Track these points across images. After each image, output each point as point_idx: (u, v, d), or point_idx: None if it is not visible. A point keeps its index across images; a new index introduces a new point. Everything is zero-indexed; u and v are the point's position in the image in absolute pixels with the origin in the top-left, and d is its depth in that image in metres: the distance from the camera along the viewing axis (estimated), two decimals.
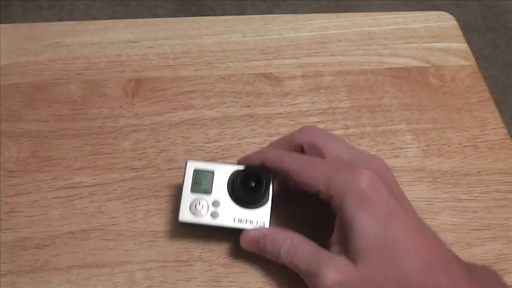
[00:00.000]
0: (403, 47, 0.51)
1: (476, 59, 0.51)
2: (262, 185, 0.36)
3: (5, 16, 1.46)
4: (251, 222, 0.35)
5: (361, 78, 0.48)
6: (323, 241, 0.33)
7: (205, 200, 0.36)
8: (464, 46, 0.51)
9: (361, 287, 0.30)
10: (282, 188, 0.39)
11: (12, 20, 1.45)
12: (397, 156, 0.43)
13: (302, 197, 0.36)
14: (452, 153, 0.44)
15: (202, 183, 0.36)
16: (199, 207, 0.35)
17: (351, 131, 0.45)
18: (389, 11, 0.54)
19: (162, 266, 0.37)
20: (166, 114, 0.45)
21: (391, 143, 0.44)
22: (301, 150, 0.37)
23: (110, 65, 0.48)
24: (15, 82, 0.46)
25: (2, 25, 0.50)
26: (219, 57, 0.49)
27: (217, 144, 0.43)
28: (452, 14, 0.54)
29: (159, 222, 0.38)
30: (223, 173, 0.36)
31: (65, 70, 0.47)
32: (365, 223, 0.31)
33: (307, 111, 0.46)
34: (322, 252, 0.33)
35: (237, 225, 0.35)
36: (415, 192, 0.41)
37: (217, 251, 0.37)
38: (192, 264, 0.37)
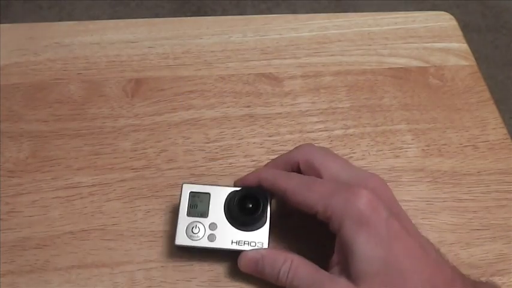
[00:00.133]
0: (403, 47, 0.51)
1: (476, 59, 0.51)
2: (260, 206, 0.35)
3: (5, 16, 1.46)
4: (249, 244, 0.35)
5: (361, 78, 0.48)
6: (323, 262, 0.33)
7: (202, 223, 0.35)
8: (464, 46, 0.51)
9: None
10: (280, 207, 0.38)
11: (12, 20, 1.45)
12: (397, 156, 0.43)
13: (301, 217, 0.35)
14: (452, 153, 0.44)
15: (199, 206, 0.35)
16: (195, 230, 0.35)
17: (350, 131, 0.45)
18: (389, 11, 0.54)
19: (162, 266, 0.37)
20: (166, 114, 0.45)
21: (391, 143, 0.44)
22: (297, 169, 0.36)
23: (110, 65, 0.48)
24: (15, 82, 0.46)
25: (2, 25, 0.50)
26: (219, 57, 0.49)
27: (217, 144, 0.43)
28: (452, 14, 0.54)
29: (159, 222, 0.38)
30: (219, 194, 0.36)
31: (65, 70, 0.47)
32: (365, 246, 0.30)
33: (307, 111, 0.46)
34: (323, 273, 0.32)
35: (234, 247, 0.35)
36: (415, 192, 0.41)
37: (217, 251, 0.37)
38: (192, 264, 0.37)
